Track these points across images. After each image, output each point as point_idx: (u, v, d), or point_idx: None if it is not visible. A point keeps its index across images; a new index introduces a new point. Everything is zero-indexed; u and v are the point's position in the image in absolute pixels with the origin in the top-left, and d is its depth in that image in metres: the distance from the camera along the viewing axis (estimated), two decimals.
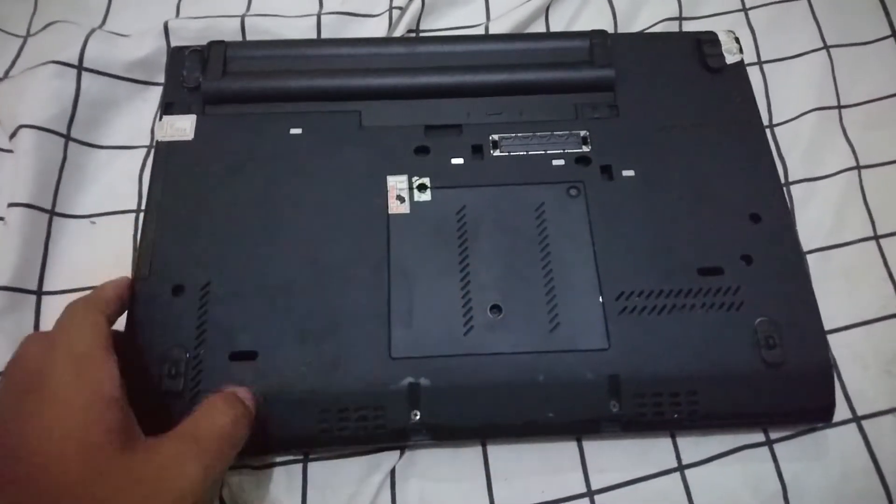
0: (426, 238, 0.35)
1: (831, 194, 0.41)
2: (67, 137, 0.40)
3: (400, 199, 0.35)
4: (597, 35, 0.41)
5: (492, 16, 0.47)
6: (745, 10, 0.47)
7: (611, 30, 0.45)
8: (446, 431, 0.31)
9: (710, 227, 0.35)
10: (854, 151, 0.42)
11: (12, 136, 0.39)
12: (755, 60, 0.44)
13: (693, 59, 0.41)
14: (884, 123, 0.43)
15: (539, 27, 0.46)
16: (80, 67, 0.41)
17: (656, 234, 0.35)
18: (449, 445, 0.34)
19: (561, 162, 0.37)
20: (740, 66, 0.40)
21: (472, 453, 0.34)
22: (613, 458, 0.33)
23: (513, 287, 0.34)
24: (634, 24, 0.46)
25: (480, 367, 0.32)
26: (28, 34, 0.45)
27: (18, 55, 0.43)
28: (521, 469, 0.33)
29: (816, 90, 0.43)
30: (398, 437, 0.31)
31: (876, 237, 0.40)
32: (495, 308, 0.33)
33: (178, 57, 0.40)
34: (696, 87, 0.40)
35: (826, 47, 0.45)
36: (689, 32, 0.43)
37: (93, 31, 0.43)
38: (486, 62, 0.40)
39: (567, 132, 0.38)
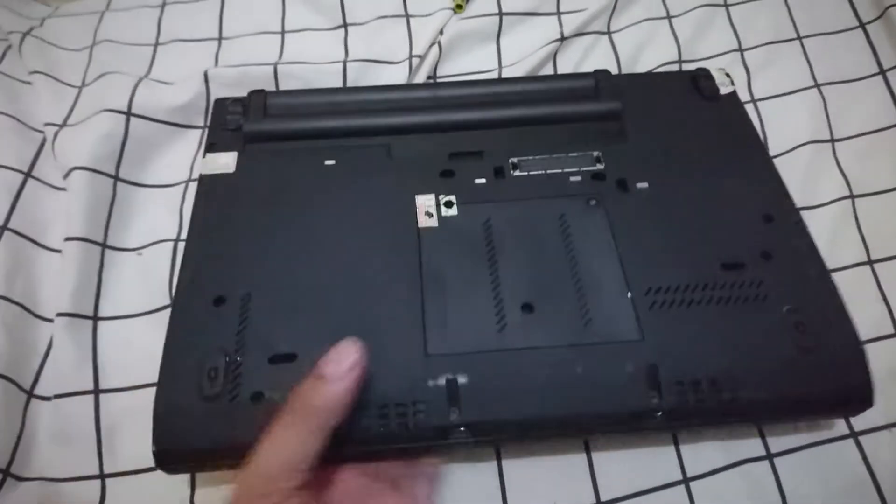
0: (455, 248, 0.36)
1: (827, 222, 0.43)
2: (116, 178, 0.44)
3: (428, 214, 0.38)
4: (601, 73, 0.44)
5: (504, 62, 0.50)
6: (740, 50, 0.50)
7: (615, 73, 0.49)
8: (487, 428, 0.32)
9: (726, 228, 0.37)
10: (847, 181, 0.44)
11: (66, 176, 0.43)
12: (749, 98, 0.47)
13: (690, 91, 0.44)
14: (875, 155, 0.45)
15: (548, 72, 0.50)
16: (128, 114, 0.45)
17: (676, 236, 0.37)
18: (488, 445, 0.35)
19: (577, 178, 0.39)
20: (733, 95, 0.44)
21: (487, 465, 0.36)
22: (621, 470, 0.35)
23: (542, 287, 0.35)
24: (636, 67, 0.49)
25: (517, 362, 0.32)
26: (83, 84, 0.49)
27: (75, 104, 0.48)
28: (534, 480, 0.35)
29: (810, 125, 0.46)
30: (438, 436, 0.31)
31: (870, 262, 0.42)
32: (527, 307, 0.34)
33: (221, 105, 0.44)
34: (696, 114, 0.43)
35: (817, 85, 0.48)
36: (684, 71, 0.46)
37: (140, 80, 0.47)
38: (502, 101, 0.43)
39: (581, 153, 0.40)
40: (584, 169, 0.40)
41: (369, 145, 0.41)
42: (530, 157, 0.40)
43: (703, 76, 0.44)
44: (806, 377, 0.33)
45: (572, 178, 0.40)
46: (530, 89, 0.44)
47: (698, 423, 0.34)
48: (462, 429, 0.31)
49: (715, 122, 0.42)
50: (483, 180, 0.40)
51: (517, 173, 0.40)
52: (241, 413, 0.31)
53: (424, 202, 0.38)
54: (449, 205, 0.38)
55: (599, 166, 0.40)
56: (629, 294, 0.35)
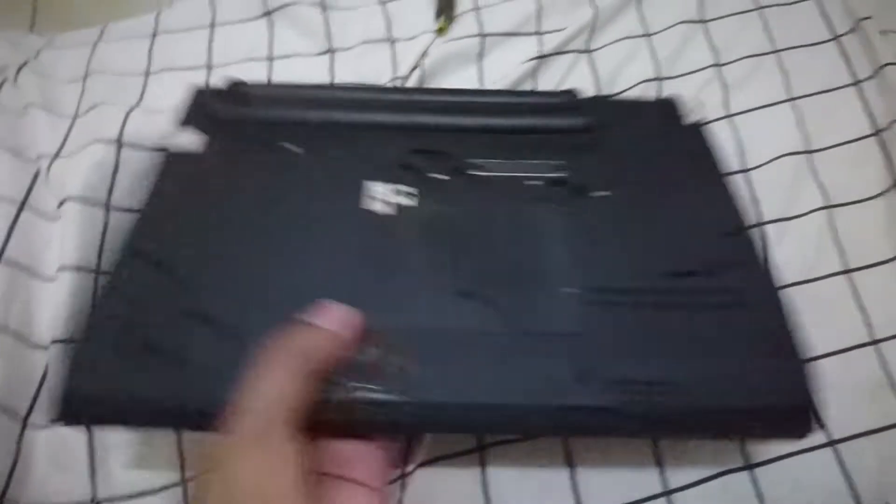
0: (408, 236, 0.37)
1: (805, 232, 0.44)
2: (108, 206, 0.45)
3: (385, 203, 0.38)
4: (571, 92, 0.45)
5: (485, 83, 0.52)
6: (718, 66, 0.51)
7: (594, 92, 0.50)
8: (419, 409, 0.31)
9: (681, 240, 0.37)
10: (825, 192, 0.45)
11: (59, 206, 0.44)
12: (726, 113, 0.48)
13: (659, 116, 0.45)
14: (851, 165, 0.46)
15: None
16: (119, 143, 0.46)
17: (629, 241, 0.37)
18: (422, 428, 0.35)
19: (539, 182, 0.40)
20: (701, 123, 0.44)
21: (470, 475, 0.37)
22: (603, 483, 0.36)
23: (488, 278, 0.35)
24: (616, 85, 0.50)
25: (455, 346, 0.32)
26: (76, 115, 0.51)
27: (68, 134, 0.49)
28: (518, 494, 0.36)
29: (787, 137, 0.47)
30: (369, 413, 0.31)
31: (847, 271, 0.42)
32: (470, 294, 0.34)
33: (200, 94, 0.45)
34: (661, 139, 0.43)
35: (793, 98, 0.48)
36: (651, 99, 0.47)
37: (131, 109, 0.48)
38: (474, 109, 0.44)
39: (545, 161, 0.41)
40: (546, 175, 0.40)
41: (337, 137, 0.42)
42: (494, 161, 0.41)
43: (672, 102, 0.45)
44: (743, 393, 0.32)
45: (533, 182, 0.40)
46: (503, 101, 0.45)
47: (631, 428, 0.33)
48: (395, 407, 0.31)
49: (679, 147, 0.43)
50: (444, 177, 0.40)
51: (479, 173, 0.40)
52: (157, 372, 0.31)
53: (383, 191, 0.39)
54: (406, 195, 0.39)
55: (561, 174, 0.40)
56: (573, 290, 0.35)
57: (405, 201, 0.39)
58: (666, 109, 0.45)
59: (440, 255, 0.36)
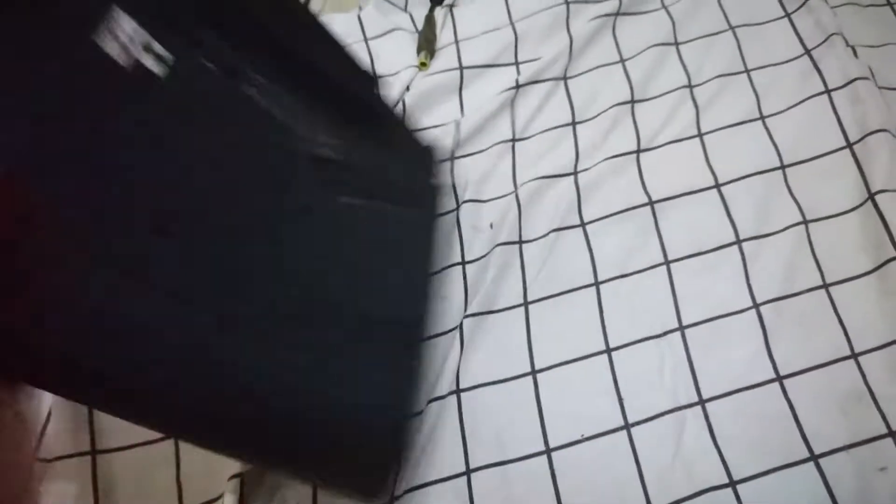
0: (131, 113, 0.28)
1: (782, 248, 0.44)
2: None
3: (126, 52, 0.28)
4: (371, 79, 0.44)
5: (466, 113, 0.53)
6: (689, 87, 0.52)
7: (569, 119, 0.51)
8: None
9: (384, 286, 0.36)
10: (800, 207, 0.45)
11: None
12: (696, 132, 0.49)
13: (419, 160, 0.45)
14: (826, 179, 0.46)
15: (505, 117, 0.52)
16: None
17: (351, 269, 0.35)
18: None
19: (308, 147, 0.34)
20: (438, 187, 0.45)
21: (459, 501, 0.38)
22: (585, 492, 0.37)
23: (200, 222, 0.29)
24: (591, 109, 0.52)
25: (135, 287, 0.25)
26: None
27: None
28: None
29: (760, 153, 0.48)
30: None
31: (825, 285, 0.43)
32: (171, 234, 0.27)
33: None
34: (410, 182, 0.43)
35: (763, 116, 0.49)
36: (422, 142, 0.47)
37: None
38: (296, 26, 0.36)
39: (321, 126, 0.36)
40: (317, 141, 0.35)
41: None
42: (276, 91, 0.33)
43: (433, 154, 0.45)
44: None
45: (302, 145, 0.34)
46: (329, 45, 0.38)
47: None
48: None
49: (416, 198, 0.42)
50: (213, 67, 0.31)
51: (251, 93, 0.32)
52: None
53: (132, 32, 0.28)
54: (156, 58, 0.28)
55: (330, 153, 0.35)
56: (279, 285, 0.31)
57: (150, 64, 0.28)
58: (427, 157, 0.44)
59: (155, 165, 0.27)
